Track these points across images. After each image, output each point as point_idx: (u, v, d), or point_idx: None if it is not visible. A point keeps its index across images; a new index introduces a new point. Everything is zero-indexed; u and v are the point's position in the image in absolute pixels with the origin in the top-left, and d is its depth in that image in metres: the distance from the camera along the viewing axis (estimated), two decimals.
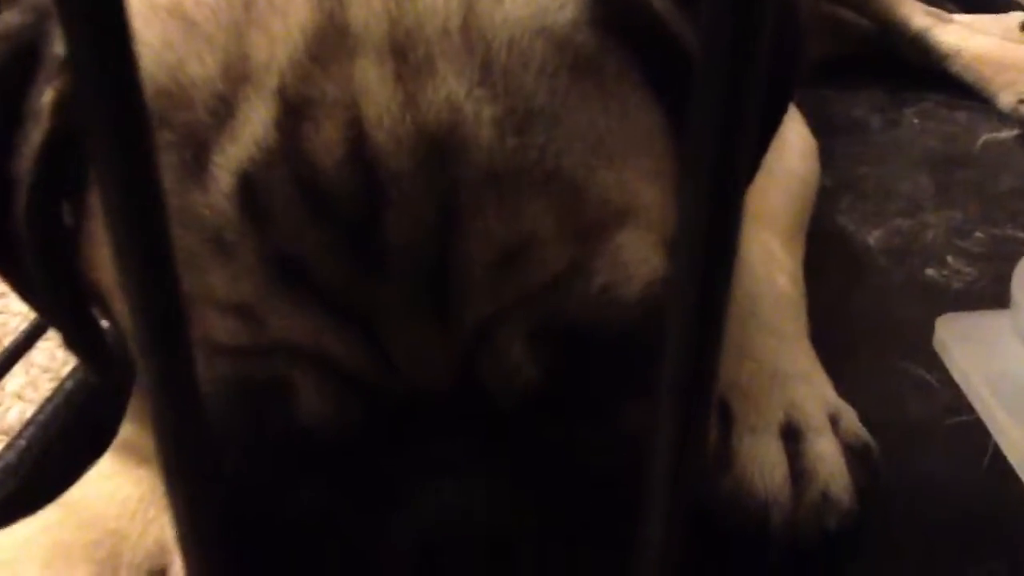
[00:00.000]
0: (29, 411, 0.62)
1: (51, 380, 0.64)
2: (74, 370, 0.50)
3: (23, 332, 0.52)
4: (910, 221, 0.75)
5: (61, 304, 0.40)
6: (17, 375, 0.54)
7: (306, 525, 0.36)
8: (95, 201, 0.37)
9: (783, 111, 0.42)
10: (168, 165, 0.33)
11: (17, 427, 0.61)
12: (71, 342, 0.43)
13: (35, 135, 0.36)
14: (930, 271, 0.68)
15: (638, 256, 0.34)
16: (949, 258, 0.70)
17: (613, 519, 0.34)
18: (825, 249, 0.67)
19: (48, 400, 0.47)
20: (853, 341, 0.59)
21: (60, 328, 0.43)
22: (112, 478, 0.38)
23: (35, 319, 0.55)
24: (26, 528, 0.35)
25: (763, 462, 0.42)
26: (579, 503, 0.37)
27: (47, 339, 0.58)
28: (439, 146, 0.30)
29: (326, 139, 0.30)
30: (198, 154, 0.32)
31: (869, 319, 0.63)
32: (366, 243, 0.30)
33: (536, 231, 0.31)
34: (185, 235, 0.32)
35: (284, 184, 0.30)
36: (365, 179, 0.30)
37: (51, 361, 0.65)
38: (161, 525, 0.36)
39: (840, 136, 0.89)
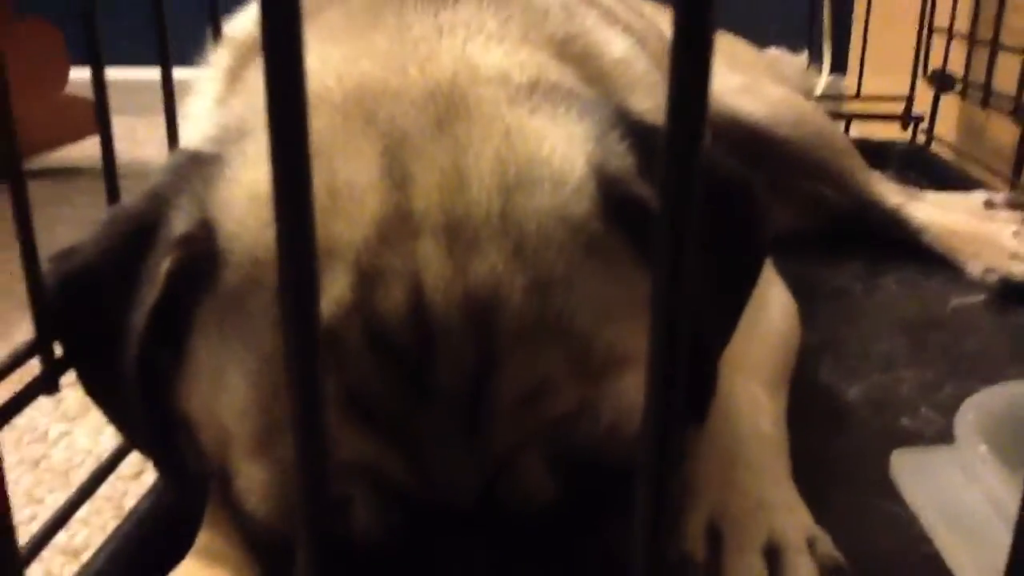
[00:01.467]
0: (94, 536, 0.69)
1: (113, 508, 0.71)
2: (146, 495, 0.57)
3: (100, 466, 0.59)
4: (887, 377, 0.83)
5: (154, 433, 0.48)
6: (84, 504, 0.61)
7: None
8: (192, 348, 0.46)
9: (756, 272, 0.51)
10: (267, 318, 0.41)
11: (83, 550, 0.67)
12: (159, 464, 0.50)
13: (150, 296, 0.44)
14: (905, 420, 0.76)
15: (637, 401, 0.42)
16: (922, 409, 0.77)
17: None
18: (809, 401, 0.75)
19: (125, 519, 0.54)
20: (833, 481, 0.65)
21: (150, 453, 0.50)
22: None
23: (106, 456, 0.62)
24: None
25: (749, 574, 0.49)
26: None
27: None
28: (481, 306, 0.38)
29: (394, 301, 0.39)
30: None
31: (848, 461, 0.69)
32: (420, 382, 0.39)
33: (553, 374, 0.40)
34: (278, 372, 0.40)
35: (357, 334, 0.39)
36: (422, 332, 0.39)
37: (112, 491, 0.72)
38: None
39: (824, 301, 0.99)
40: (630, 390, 0.42)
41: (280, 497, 0.41)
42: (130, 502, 0.73)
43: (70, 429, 0.79)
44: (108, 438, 0.83)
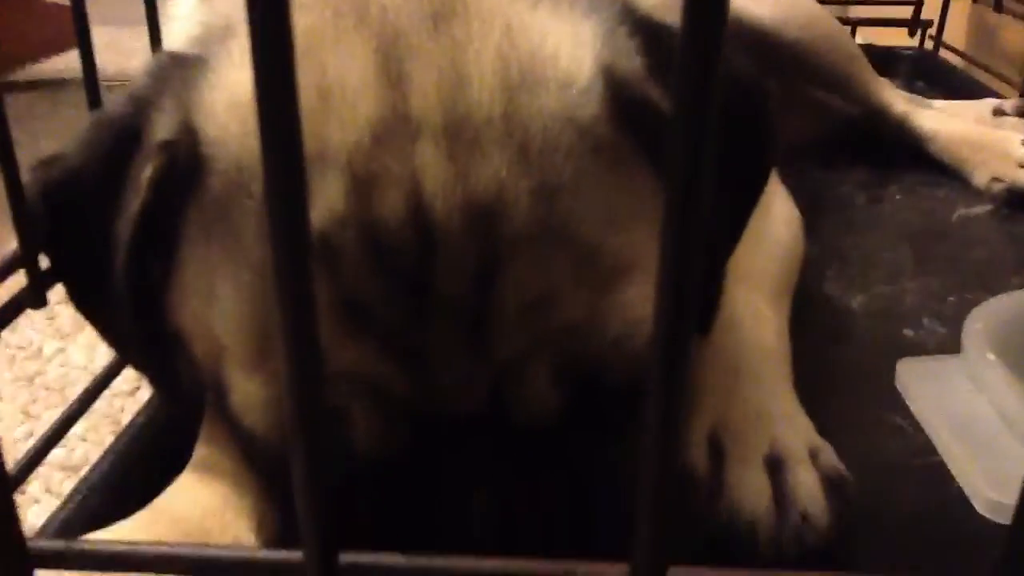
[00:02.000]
0: (92, 451, 0.69)
1: (111, 424, 0.71)
2: (142, 409, 0.56)
3: (94, 381, 0.59)
4: (891, 287, 0.82)
5: (145, 346, 0.47)
6: (81, 420, 0.60)
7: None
8: (183, 258, 0.44)
9: (762, 182, 0.49)
10: (253, 227, 0.40)
11: (82, 465, 0.67)
12: (152, 378, 0.49)
13: (134, 203, 0.43)
14: (908, 331, 0.75)
15: (643, 315, 0.41)
16: (925, 320, 0.76)
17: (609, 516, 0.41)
18: (812, 312, 0.74)
19: (122, 433, 0.54)
20: (835, 392, 0.65)
21: (142, 366, 0.49)
22: (192, 490, 0.44)
23: (100, 372, 0.61)
24: (123, 526, 0.41)
25: (750, 489, 0.48)
26: (585, 506, 0.43)
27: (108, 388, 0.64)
28: (484, 212, 0.37)
29: (391, 206, 0.37)
30: None
31: (850, 372, 0.69)
32: (420, 290, 0.37)
33: (559, 282, 0.38)
34: (264, 284, 0.39)
35: (353, 242, 0.37)
36: (422, 238, 0.37)
37: (109, 408, 0.71)
38: (238, 527, 0.42)
39: (828, 211, 0.97)
40: (637, 302, 0.41)
41: (278, 412, 0.40)
42: (127, 418, 0.72)
43: (64, 346, 0.78)
44: (103, 355, 0.82)
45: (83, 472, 0.60)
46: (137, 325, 0.45)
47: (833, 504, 0.49)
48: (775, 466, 0.50)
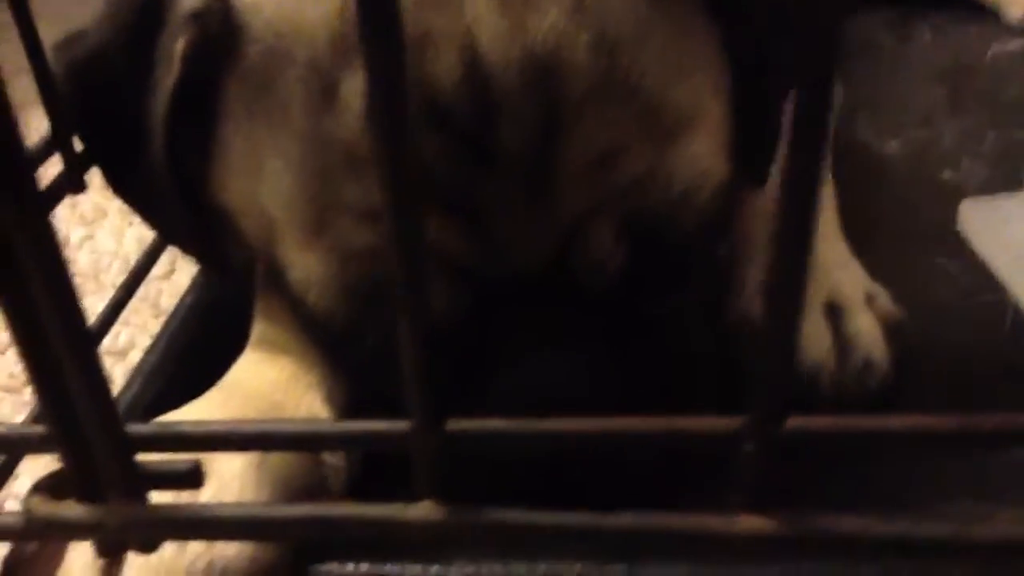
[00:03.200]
0: (136, 335, 0.69)
1: (150, 307, 0.70)
2: (188, 291, 0.56)
3: (136, 266, 0.58)
4: (925, 130, 0.80)
5: (191, 226, 0.46)
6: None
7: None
8: (224, 134, 0.43)
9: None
10: (299, 97, 0.38)
11: (128, 350, 0.67)
12: (199, 258, 0.49)
13: (168, 79, 0.41)
14: (947, 173, 0.73)
15: (708, 167, 0.40)
16: (964, 161, 0.75)
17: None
18: (847, 161, 0.72)
19: (170, 317, 0.53)
20: (878, 238, 0.64)
21: (188, 247, 0.48)
22: (258, 367, 0.44)
23: (141, 256, 0.60)
24: (197, 406, 0.41)
25: (811, 336, 0.48)
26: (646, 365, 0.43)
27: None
28: (543, 66, 0.35)
29: (445, 64, 0.35)
30: (326, 86, 0.37)
31: (892, 218, 0.68)
32: (482, 150, 0.36)
33: (622, 136, 0.37)
34: (320, 156, 0.38)
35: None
36: (480, 95, 0.36)
37: (146, 292, 0.71)
38: (310, 401, 0.42)
39: (856, 56, 0.94)
40: (702, 155, 0.40)
41: (339, 285, 0.40)
42: (165, 301, 0.72)
43: (91, 232, 0.77)
44: (131, 239, 0.81)
45: (132, 356, 0.60)
46: (180, 205, 0.44)
47: (893, 347, 0.49)
48: (834, 313, 0.50)
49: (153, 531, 0.27)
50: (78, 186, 0.46)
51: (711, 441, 0.26)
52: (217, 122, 0.43)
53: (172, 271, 0.72)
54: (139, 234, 0.82)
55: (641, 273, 0.40)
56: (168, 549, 0.34)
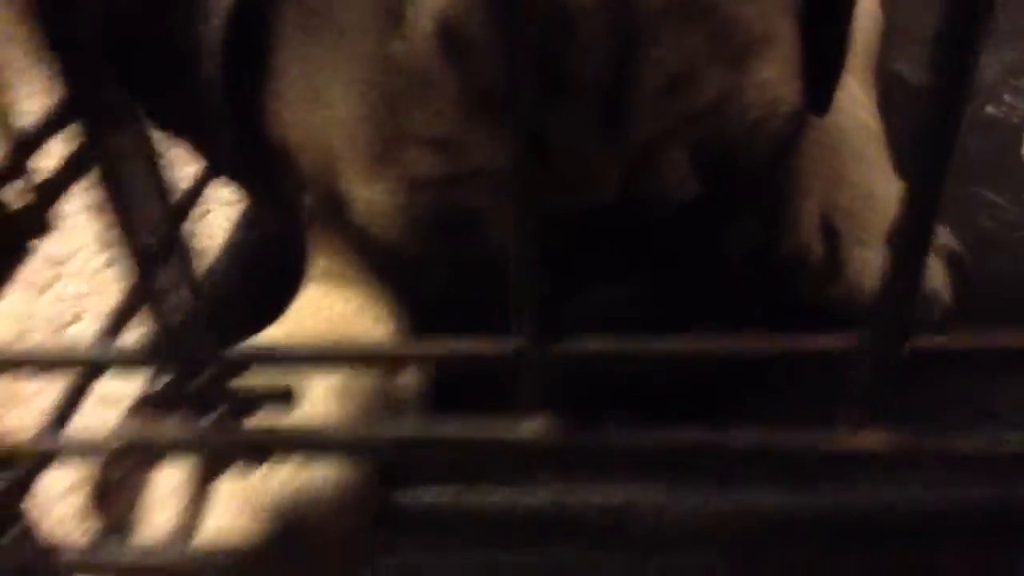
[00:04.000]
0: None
1: None
2: (237, 226, 0.55)
3: (176, 205, 0.57)
4: None
5: (243, 160, 0.45)
6: None
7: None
8: (281, 63, 0.42)
9: None
10: (361, 19, 0.37)
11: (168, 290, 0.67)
12: (255, 193, 0.48)
13: (220, 4, 0.40)
14: (989, 108, 0.72)
15: (780, 94, 0.39)
16: (1006, 96, 0.74)
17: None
18: (885, 93, 0.71)
19: (219, 255, 0.53)
20: None
21: (243, 180, 0.47)
22: (323, 300, 0.43)
23: (179, 198, 0.59)
24: (266, 336, 0.41)
25: (873, 267, 0.48)
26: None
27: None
28: None
29: None
30: (393, 7, 0.36)
31: None
32: (555, 75, 0.35)
33: (696, 60, 0.36)
34: (389, 80, 0.37)
35: (480, 26, 0.35)
36: (556, 17, 0.34)
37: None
38: (379, 333, 0.42)
39: None
40: (774, 82, 0.39)
41: (407, 215, 0.39)
42: (200, 242, 0.71)
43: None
44: None
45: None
46: (237, 137, 0.43)
47: (953, 280, 0.48)
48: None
49: (253, 450, 0.27)
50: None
51: (829, 360, 0.26)
52: (272, 50, 0.42)
53: (208, 211, 0.71)
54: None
55: (709, 202, 0.40)
56: (255, 476, 0.33)
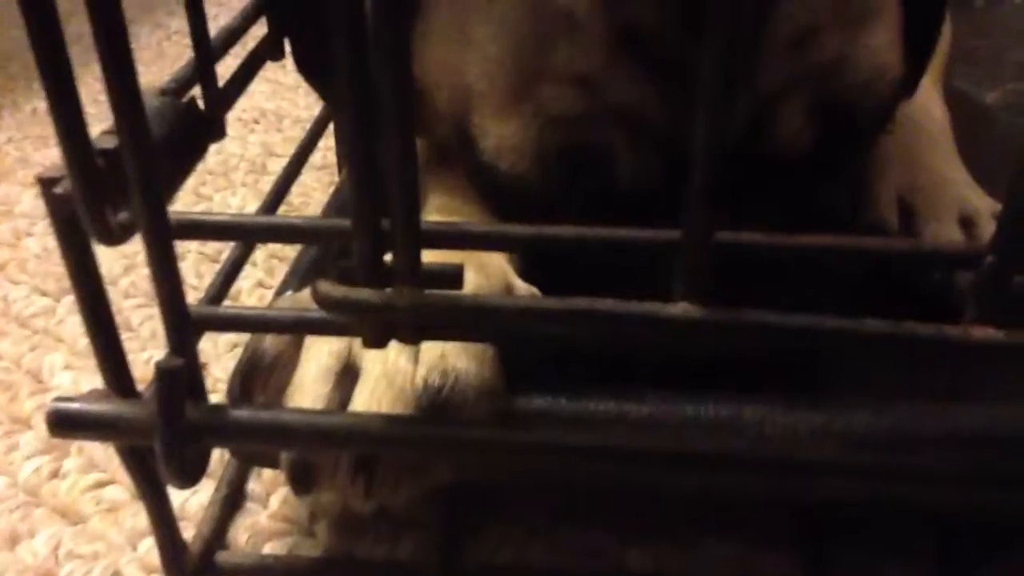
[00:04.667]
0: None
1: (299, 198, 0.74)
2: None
3: (295, 155, 0.61)
4: (1022, 84, 0.83)
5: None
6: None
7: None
8: (428, 4, 0.45)
9: None
10: None
11: None
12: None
13: None
14: None
15: (888, 60, 0.43)
16: None
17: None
18: (951, 105, 0.75)
19: (333, 196, 0.56)
20: (981, 175, 0.67)
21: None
22: None
23: (296, 150, 0.63)
24: None
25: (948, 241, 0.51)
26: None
27: None
28: None
29: None
30: None
31: (995, 159, 0.71)
32: (696, 19, 0.39)
33: (821, 18, 0.40)
34: (538, 20, 0.41)
35: None
36: None
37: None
38: (499, 260, 0.45)
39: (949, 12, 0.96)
40: (884, 49, 0.43)
41: (538, 151, 0.42)
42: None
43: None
44: (255, 143, 0.84)
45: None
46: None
47: None
48: (967, 223, 0.53)
49: (440, 315, 0.30)
50: (278, 53, 0.49)
51: (949, 261, 0.29)
52: None
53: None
54: (262, 139, 0.85)
55: (822, 156, 0.43)
56: (402, 359, 0.37)
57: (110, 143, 0.31)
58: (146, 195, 0.30)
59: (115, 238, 0.32)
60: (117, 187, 0.31)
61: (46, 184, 0.32)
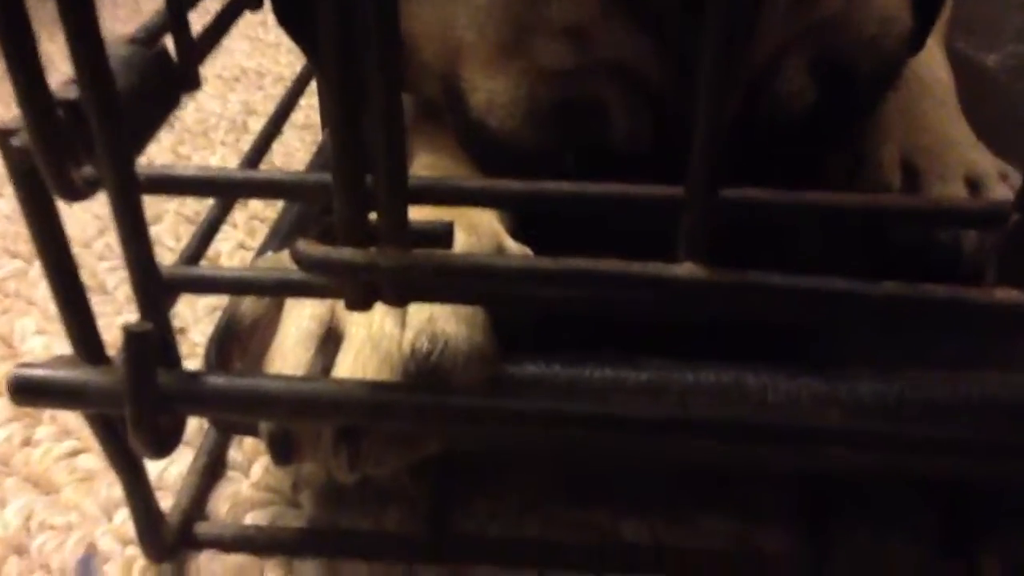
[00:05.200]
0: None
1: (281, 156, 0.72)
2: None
3: (277, 112, 0.58)
4: (1023, 46, 0.81)
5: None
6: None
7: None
8: None
9: None
10: None
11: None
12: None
13: None
14: None
15: (894, 15, 0.41)
16: None
17: None
18: (952, 67, 0.74)
19: (316, 156, 0.54)
20: (982, 138, 0.66)
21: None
22: None
23: (277, 108, 0.61)
24: None
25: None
26: None
27: None
28: None
29: None
30: None
31: (997, 122, 0.69)
32: None
33: None
34: None
35: None
36: None
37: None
38: (492, 227, 0.43)
39: None
40: (890, 4, 0.41)
41: (528, 106, 0.41)
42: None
43: (194, 95, 0.78)
44: (235, 102, 0.82)
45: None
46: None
47: None
48: (973, 184, 0.51)
49: (427, 276, 0.29)
50: (193, 83, 0.46)
51: (973, 219, 0.28)
52: None
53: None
54: (243, 98, 0.82)
55: (824, 114, 0.41)
56: (388, 323, 0.35)
57: (72, 93, 0.29)
58: (111, 147, 0.28)
59: (78, 194, 0.30)
60: (81, 140, 0.29)
61: (2, 136, 0.30)
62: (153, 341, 0.31)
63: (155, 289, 0.31)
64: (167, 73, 0.36)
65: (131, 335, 0.30)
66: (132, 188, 0.29)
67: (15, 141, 0.29)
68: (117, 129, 0.28)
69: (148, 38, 0.37)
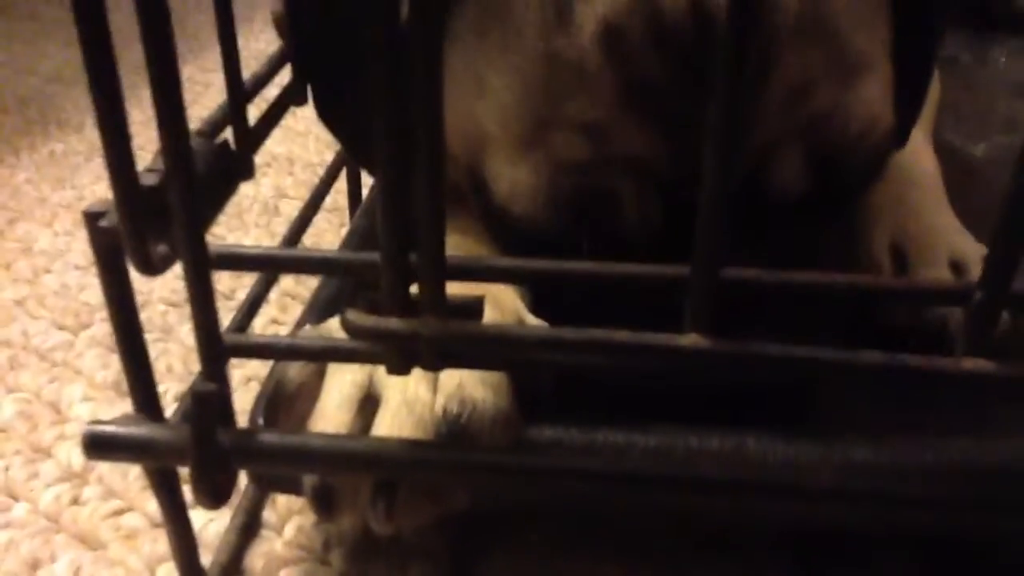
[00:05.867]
0: None
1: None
2: (358, 216, 0.61)
3: (312, 197, 0.63)
4: (1010, 137, 0.86)
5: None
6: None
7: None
8: (449, 58, 0.48)
9: None
10: (534, 20, 0.44)
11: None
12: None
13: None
14: None
15: (879, 112, 0.46)
16: None
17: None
18: (939, 158, 0.78)
19: (343, 243, 0.59)
20: (970, 227, 0.70)
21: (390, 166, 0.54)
22: None
23: (312, 193, 0.65)
24: None
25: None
26: None
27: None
28: (762, 4, 0.41)
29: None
30: (562, 10, 0.43)
31: (982, 209, 0.73)
32: (700, 78, 0.41)
33: (815, 73, 0.43)
34: (551, 72, 0.43)
35: (639, 29, 0.41)
36: (701, 24, 0.41)
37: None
38: (516, 307, 0.46)
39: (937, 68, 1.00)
40: (875, 101, 0.45)
41: (548, 195, 0.45)
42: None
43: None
44: (267, 187, 0.87)
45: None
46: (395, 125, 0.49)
47: None
48: (958, 269, 0.55)
49: (463, 344, 0.32)
50: (302, 98, 0.51)
51: (942, 298, 0.31)
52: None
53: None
54: (274, 182, 0.88)
55: (817, 202, 0.46)
56: (421, 388, 0.39)
57: (152, 180, 0.34)
58: (189, 228, 0.32)
59: (154, 269, 0.34)
60: (156, 222, 0.34)
61: (91, 218, 0.34)
62: (215, 401, 0.35)
63: (218, 353, 0.35)
64: (229, 162, 0.41)
65: (197, 396, 0.34)
66: (204, 263, 0.33)
67: (103, 222, 0.34)
68: (194, 212, 0.32)
69: (212, 130, 0.41)
